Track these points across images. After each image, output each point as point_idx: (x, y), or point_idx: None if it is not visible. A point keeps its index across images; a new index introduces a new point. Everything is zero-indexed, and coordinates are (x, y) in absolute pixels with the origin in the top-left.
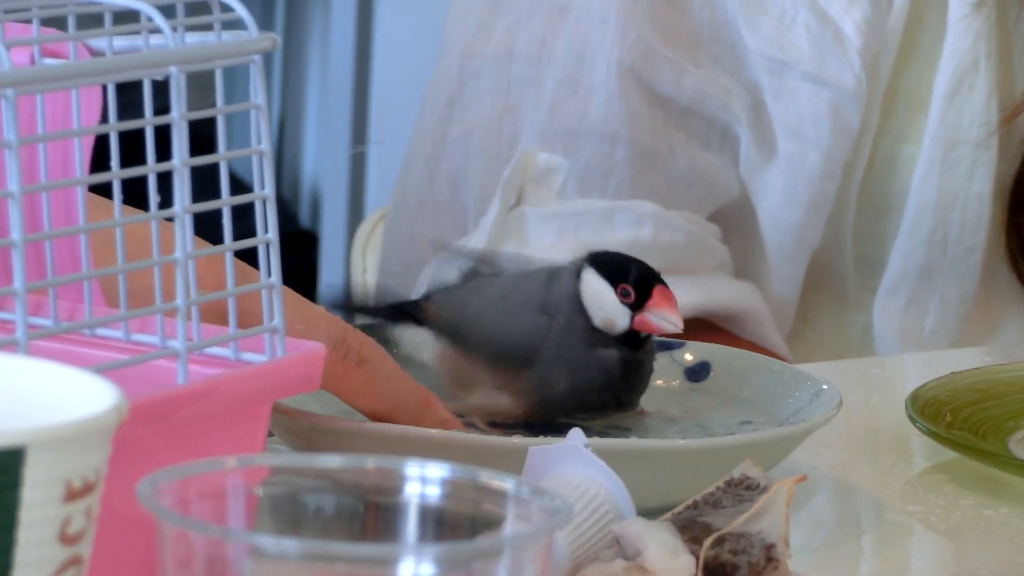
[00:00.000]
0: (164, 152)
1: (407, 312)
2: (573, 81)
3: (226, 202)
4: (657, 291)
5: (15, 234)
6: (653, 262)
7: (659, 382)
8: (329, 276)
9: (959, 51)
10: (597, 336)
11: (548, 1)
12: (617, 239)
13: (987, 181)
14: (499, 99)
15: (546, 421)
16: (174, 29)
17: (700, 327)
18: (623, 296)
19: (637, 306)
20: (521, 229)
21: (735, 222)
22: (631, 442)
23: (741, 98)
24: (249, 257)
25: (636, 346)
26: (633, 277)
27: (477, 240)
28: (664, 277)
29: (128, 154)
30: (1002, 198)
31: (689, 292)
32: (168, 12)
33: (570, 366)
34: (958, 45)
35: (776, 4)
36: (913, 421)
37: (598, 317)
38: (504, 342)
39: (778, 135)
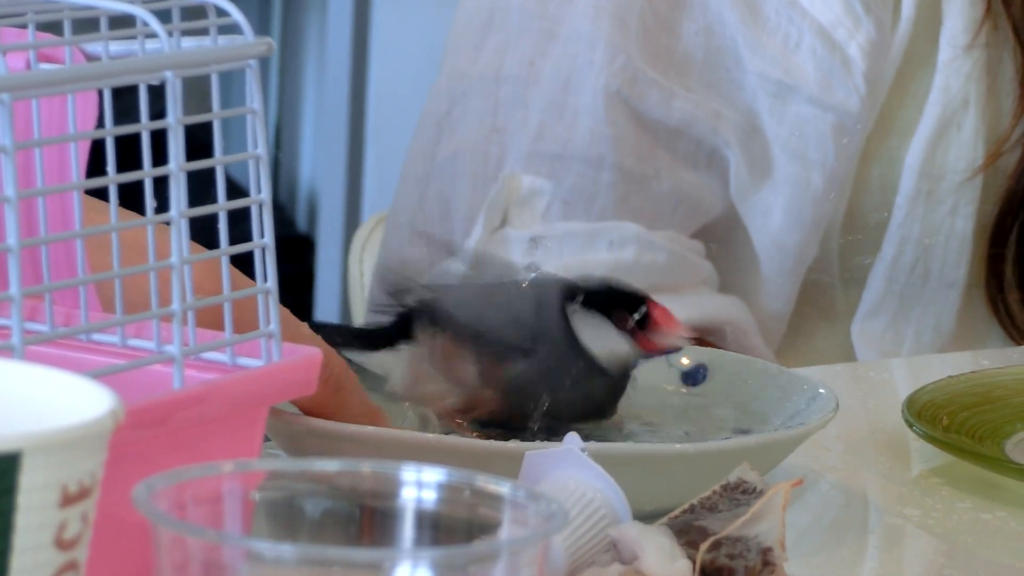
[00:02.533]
0: (160, 157)
1: (383, 334)
2: (560, 105)
3: (222, 207)
4: (656, 312)
5: (11, 239)
6: (636, 282)
7: (657, 387)
8: (326, 281)
9: (950, 90)
10: (592, 366)
11: (537, 24)
12: (599, 260)
13: (970, 219)
14: (486, 121)
15: (521, 423)
16: (170, 34)
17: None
18: (620, 323)
19: (637, 329)
20: (504, 251)
21: (720, 238)
22: (628, 446)
23: (733, 121)
24: (246, 262)
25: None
26: (626, 303)
27: (461, 262)
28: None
29: (124, 159)
30: (984, 237)
31: (672, 309)
32: (164, 17)
33: (553, 386)
34: (950, 84)
35: (780, 28)
36: (910, 425)
37: (599, 350)
38: (501, 324)
39: (778, 158)
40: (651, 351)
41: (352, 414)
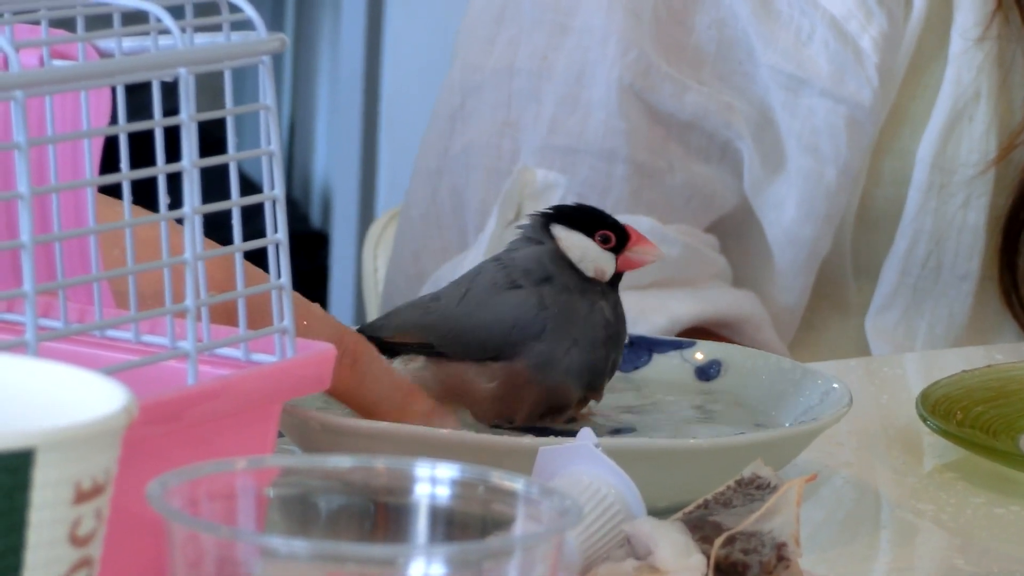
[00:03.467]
0: (174, 154)
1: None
2: (573, 98)
3: (235, 203)
4: (631, 230)
5: (25, 236)
6: (649, 275)
7: (671, 381)
8: (340, 277)
9: (962, 82)
10: (593, 288)
11: (550, 17)
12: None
13: (983, 212)
14: (500, 114)
15: (558, 407)
16: (183, 30)
17: (699, 336)
18: (603, 243)
19: (617, 249)
20: None
21: (734, 232)
22: (642, 441)
23: (745, 114)
24: (260, 258)
25: (614, 288)
26: (608, 222)
27: (475, 255)
28: (661, 289)
29: (138, 156)
30: (996, 229)
31: (686, 302)
32: (177, 13)
33: (577, 328)
34: (961, 76)
35: (792, 20)
36: (924, 419)
37: (589, 269)
38: (491, 333)
39: (791, 151)
40: (629, 268)
41: (374, 386)
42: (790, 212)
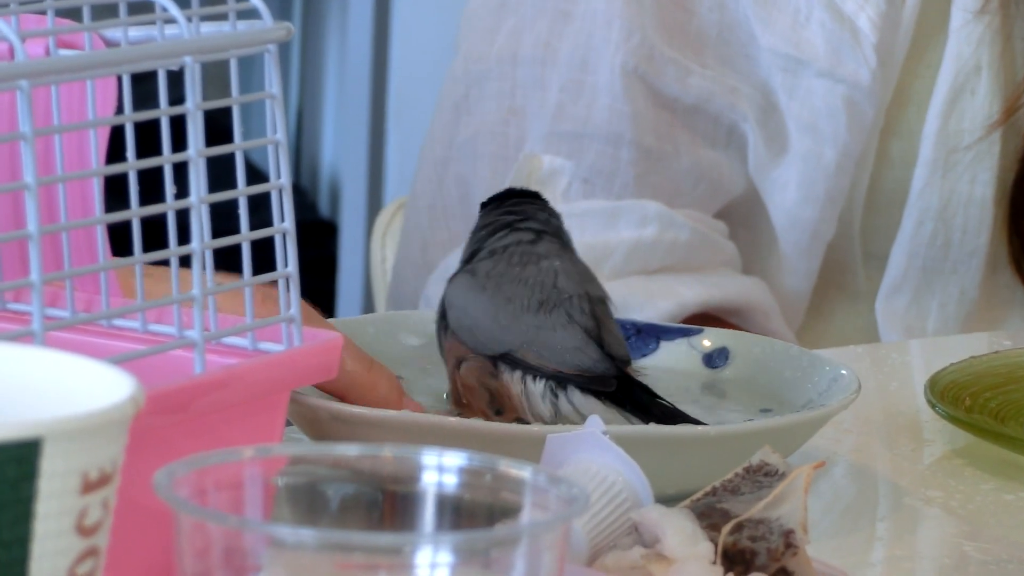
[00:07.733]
0: (180, 143)
1: None
2: (577, 84)
3: (242, 192)
4: None
5: (31, 226)
6: (658, 260)
7: (679, 369)
8: (348, 266)
9: (962, 56)
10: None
11: (552, 4)
12: (621, 239)
13: (989, 185)
14: (504, 102)
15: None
16: (189, 19)
17: (707, 322)
18: None
19: None
20: None
21: (742, 219)
22: (649, 429)
23: (749, 97)
24: (267, 247)
25: None
26: None
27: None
28: (669, 274)
29: (144, 145)
30: (1004, 202)
31: (694, 287)
32: (183, 2)
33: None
34: (961, 50)
35: (790, 2)
36: (932, 406)
37: None
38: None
39: (792, 132)
40: None
41: (381, 391)
42: (792, 194)
